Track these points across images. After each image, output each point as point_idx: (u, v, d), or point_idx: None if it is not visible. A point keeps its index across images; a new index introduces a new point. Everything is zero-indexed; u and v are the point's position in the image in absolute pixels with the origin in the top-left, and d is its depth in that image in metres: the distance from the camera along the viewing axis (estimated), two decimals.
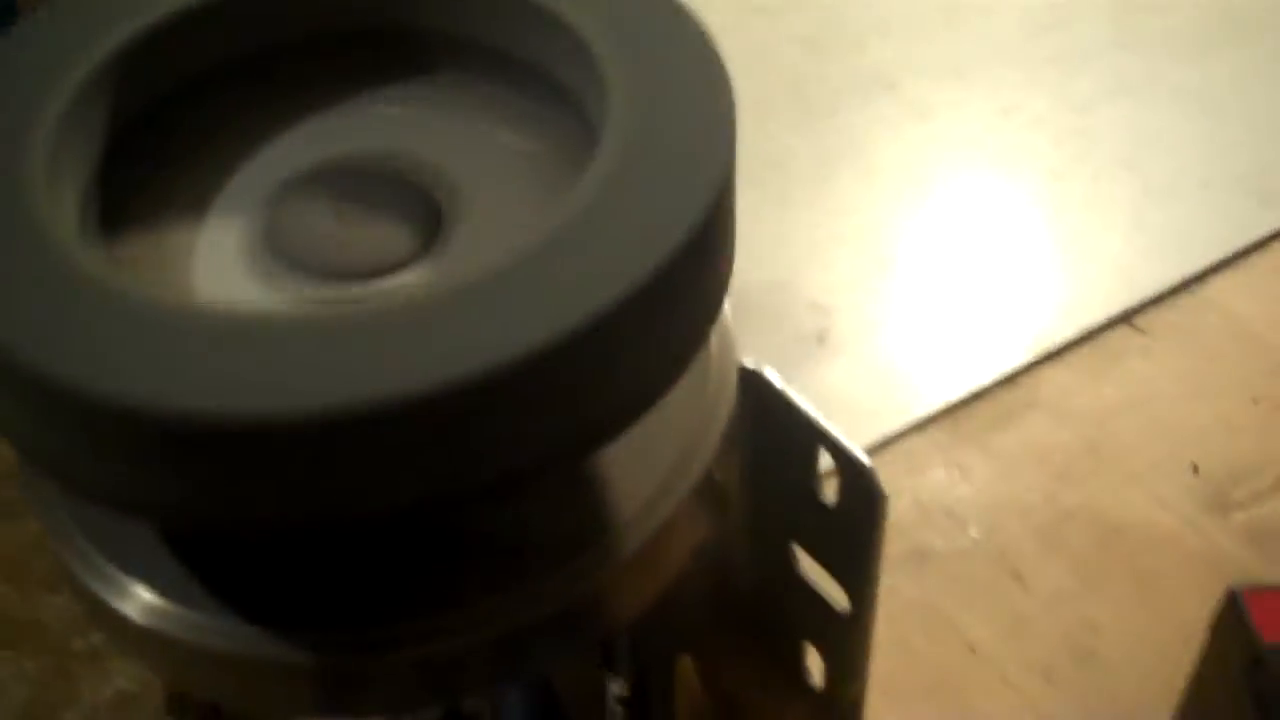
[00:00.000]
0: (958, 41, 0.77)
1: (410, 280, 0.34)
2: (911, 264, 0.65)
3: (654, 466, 0.36)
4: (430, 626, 0.34)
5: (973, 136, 0.72)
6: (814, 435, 0.41)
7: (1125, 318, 0.62)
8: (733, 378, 0.39)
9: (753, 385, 0.41)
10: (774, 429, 0.42)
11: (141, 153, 0.38)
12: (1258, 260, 0.65)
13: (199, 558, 0.35)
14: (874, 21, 0.78)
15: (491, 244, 0.35)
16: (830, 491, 0.42)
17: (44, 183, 0.33)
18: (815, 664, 0.48)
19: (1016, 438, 0.58)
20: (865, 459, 0.39)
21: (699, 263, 0.32)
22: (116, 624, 0.36)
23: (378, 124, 0.39)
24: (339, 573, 0.34)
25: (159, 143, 0.38)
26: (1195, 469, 0.56)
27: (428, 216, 0.36)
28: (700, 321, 0.34)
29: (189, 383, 0.29)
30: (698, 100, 0.34)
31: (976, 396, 0.59)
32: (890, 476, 0.41)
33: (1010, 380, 0.60)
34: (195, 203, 0.37)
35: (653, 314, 0.31)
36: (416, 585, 0.34)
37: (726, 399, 0.38)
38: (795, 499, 0.43)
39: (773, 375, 0.41)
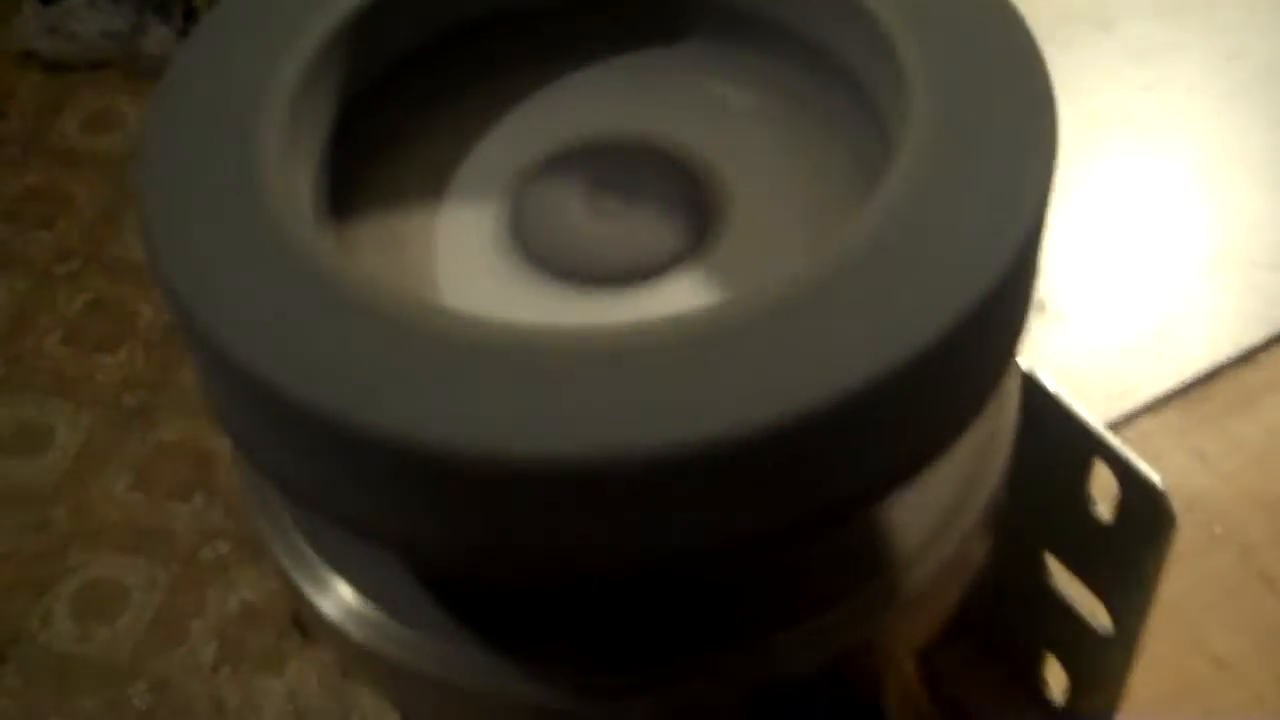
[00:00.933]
0: None
1: (683, 287, 0.31)
2: (1136, 226, 0.60)
3: (938, 495, 0.33)
4: (699, 667, 0.31)
5: (1194, 84, 0.67)
6: (1092, 446, 0.37)
7: None
8: (1016, 391, 0.35)
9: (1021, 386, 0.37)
10: (1041, 434, 0.38)
11: (371, 128, 0.34)
12: None
13: (445, 586, 0.32)
14: None
15: (764, 246, 0.32)
16: (1102, 504, 0.38)
17: (279, 166, 0.30)
18: (1054, 677, 0.44)
19: (1260, 422, 0.53)
20: (1157, 479, 0.36)
21: (1018, 287, 0.28)
22: (344, 644, 0.33)
23: (631, 99, 0.35)
24: (601, 611, 0.31)
25: (389, 117, 0.35)
26: None
27: (691, 208, 0.32)
28: (1015, 339, 0.30)
29: (497, 422, 0.25)
30: (1013, 108, 0.30)
31: (1213, 375, 0.55)
32: None
33: (1248, 359, 0.55)
34: (432, 184, 0.34)
35: (979, 338, 0.27)
36: (687, 627, 0.31)
37: (1011, 415, 0.34)
38: (1057, 509, 0.39)
39: (1047, 379, 0.37)
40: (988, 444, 0.33)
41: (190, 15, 1.76)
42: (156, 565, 1.46)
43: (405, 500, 0.27)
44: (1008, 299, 0.28)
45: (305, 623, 0.36)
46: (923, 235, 0.27)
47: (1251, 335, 0.56)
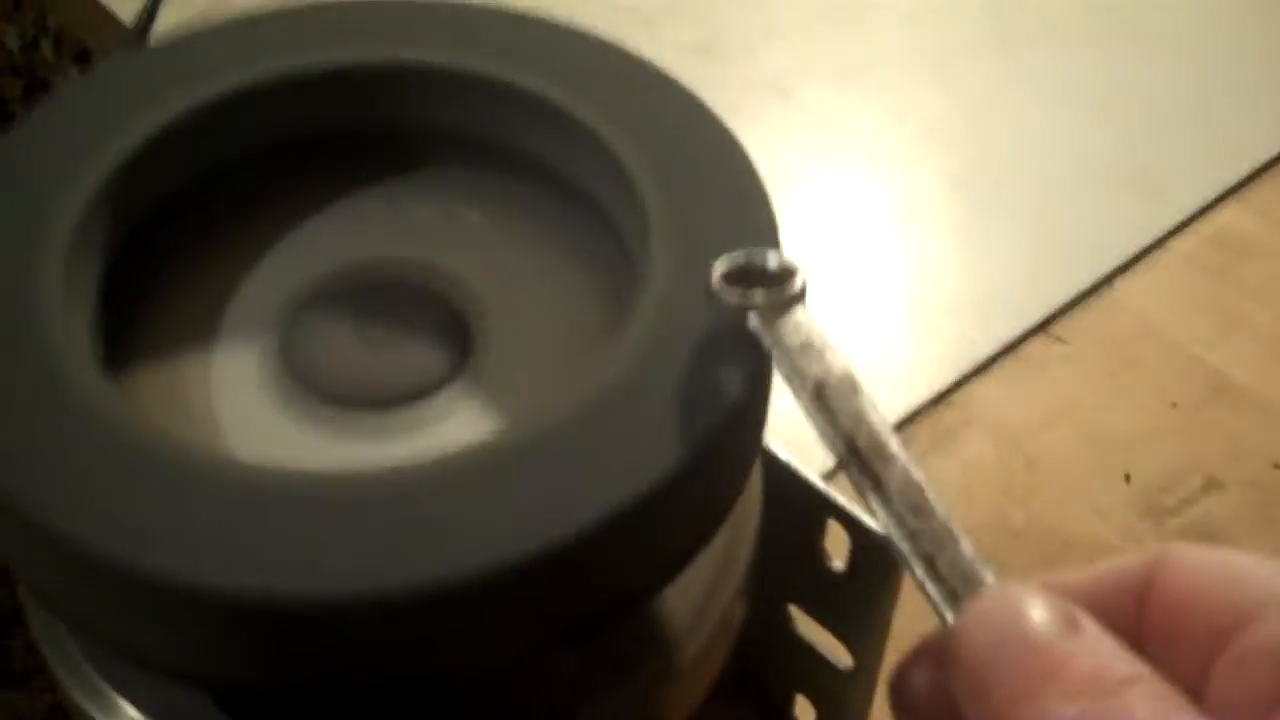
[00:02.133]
0: (845, 44, 0.78)
1: (449, 408, 0.34)
2: (819, 286, 0.65)
3: (701, 573, 0.36)
4: None
5: (870, 145, 0.73)
6: (824, 507, 0.41)
7: (1043, 326, 0.64)
8: (758, 465, 0.39)
9: None
10: (777, 499, 0.42)
11: (142, 271, 0.36)
12: (1159, 258, 0.67)
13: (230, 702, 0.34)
14: (763, 26, 0.79)
15: (522, 364, 0.35)
16: (836, 558, 0.42)
17: (57, 310, 0.32)
18: (804, 713, 0.49)
19: (956, 457, 0.59)
20: (883, 531, 0.40)
21: (758, 406, 0.32)
22: None
23: (387, 230, 0.38)
24: (401, 713, 0.34)
25: (159, 260, 0.36)
26: (1128, 478, 0.58)
27: (453, 332, 0.35)
28: (753, 453, 0.34)
29: (276, 561, 0.28)
30: (737, 220, 0.34)
31: (913, 417, 0.60)
32: None
33: (942, 399, 0.61)
34: (205, 324, 0.36)
35: (723, 457, 0.31)
36: None
37: (756, 488, 0.38)
38: (795, 563, 0.43)
39: (778, 447, 0.41)
40: (739, 518, 0.37)
41: None
42: None
43: (184, 637, 0.29)
44: (750, 417, 0.31)
45: None
46: (666, 368, 0.30)
47: (944, 378, 0.61)
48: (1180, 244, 0.68)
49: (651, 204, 0.33)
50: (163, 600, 0.27)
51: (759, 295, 0.30)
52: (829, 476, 0.57)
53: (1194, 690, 0.24)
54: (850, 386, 0.29)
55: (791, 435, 0.54)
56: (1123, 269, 0.66)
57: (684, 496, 0.29)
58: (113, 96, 0.36)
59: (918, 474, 0.28)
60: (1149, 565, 0.27)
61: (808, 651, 0.45)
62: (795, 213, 0.69)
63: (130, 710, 0.35)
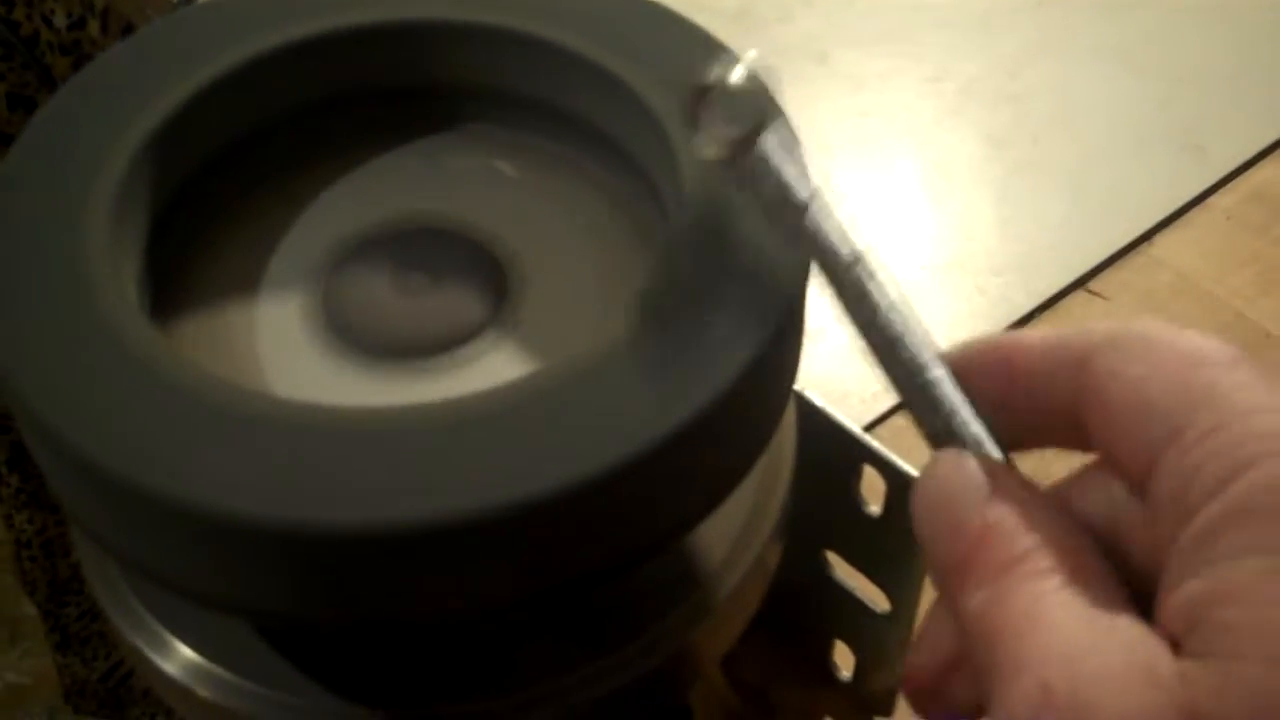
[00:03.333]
0: (881, 7, 0.78)
1: (487, 353, 0.34)
2: (870, 243, 0.66)
3: (736, 513, 0.37)
4: (525, 698, 0.34)
5: (908, 107, 0.73)
6: (860, 453, 0.42)
7: (1081, 282, 0.64)
8: (792, 412, 0.39)
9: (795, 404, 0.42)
10: (813, 445, 0.43)
11: (187, 222, 0.37)
12: (1197, 215, 0.67)
13: (281, 639, 0.35)
14: None
15: (559, 310, 0.35)
16: (872, 503, 0.43)
17: (105, 261, 0.33)
18: (843, 658, 0.49)
19: None
20: (918, 475, 0.41)
21: (787, 346, 0.33)
22: (190, 701, 0.36)
23: (428, 182, 0.38)
24: (447, 651, 0.35)
25: (203, 211, 0.37)
26: None
27: (489, 280, 0.36)
28: (785, 395, 0.34)
29: (308, 492, 0.28)
30: None
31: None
32: None
33: None
34: (248, 275, 0.37)
35: (756, 395, 0.31)
36: (505, 661, 0.35)
37: (790, 433, 0.39)
38: (832, 508, 0.44)
39: (813, 395, 0.42)
40: (773, 461, 0.38)
41: None
42: None
43: (223, 567, 0.30)
44: (786, 346, 0.32)
45: (141, 685, 0.38)
46: (697, 305, 0.31)
47: (979, 332, 0.62)
48: (1220, 200, 0.68)
49: (680, 149, 0.34)
50: (205, 531, 0.28)
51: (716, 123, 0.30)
52: (868, 430, 0.58)
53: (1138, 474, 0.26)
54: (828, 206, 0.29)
55: (827, 388, 0.54)
56: (1162, 225, 0.66)
57: (716, 430, 0.30)
58: (159, 53, 0.37)
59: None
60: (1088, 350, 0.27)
61: (845, 596, 0.46)
62: (835, 175, 0.69)
63: (181, 646, 0.36)
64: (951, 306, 0.63)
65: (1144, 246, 0.66)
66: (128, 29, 0.79)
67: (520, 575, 0.30)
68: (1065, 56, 0.75)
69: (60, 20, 0.85)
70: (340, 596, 0.30)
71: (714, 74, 0.30)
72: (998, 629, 0.25)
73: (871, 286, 0.28)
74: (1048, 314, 0.63)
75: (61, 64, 0.88)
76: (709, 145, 0.30)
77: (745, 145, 0.30)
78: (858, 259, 0.29)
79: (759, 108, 0.30)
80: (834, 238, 0.29)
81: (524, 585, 0.30)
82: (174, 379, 0.30)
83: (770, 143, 0.30)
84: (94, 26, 0.83)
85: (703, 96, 0.30)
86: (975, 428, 0.28)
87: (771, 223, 0.30)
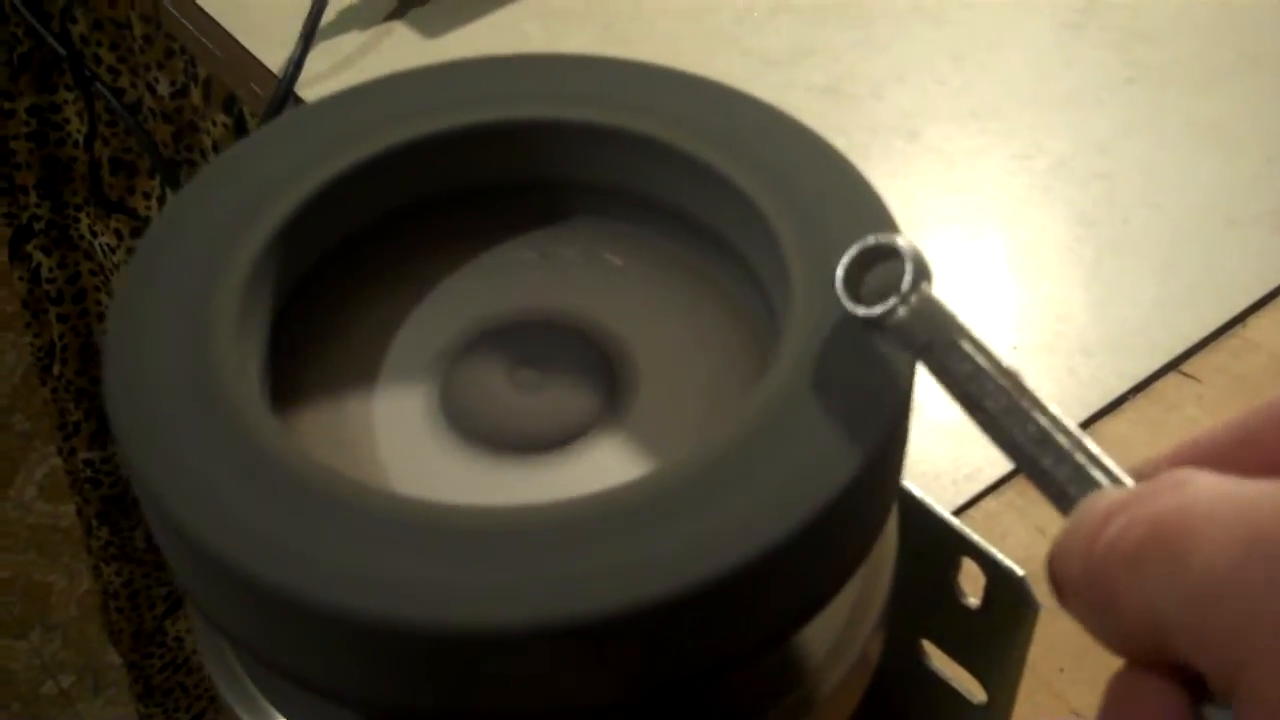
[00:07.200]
0: (972, 84, 0.79)
1: (599, 451, 0.35)
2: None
3: (841, 608, 0.37)
4: None
5: (998, 184, 0.73)
6: (960, 545, 0.42)
7: (1174, 364, 0.64)
8: (894, 506, 0.40)
9: None
10: (912, 535, 0.43)
11: (305, 314, 0.38)
12: None
13: None
14: (888, 68, 0.80)
15: (670, 409, 0.36)
16: (971, 594, 0.43)
17: (232, 355, 0.34)
18: None
19: None
20: (1019, 571, 0.41)
21: (895, 446, 0.33)
22: None
23: (537, 277, 0.39)
24: None
25: (321, 304, 0.38)
26: None
27: (602, 377, 0.37)
28: (891, 494, 0.35)
29: (433, 591, 0.29)
30: None
31: None
32: None
33: None
34: (365, 366, 0.38)
35: (865, 497, 0.32)
36: None
37: (893, 527, 0.39)
38: (930, 599, 0.44)
39: (913, 487, 0.42)
40: (876, 554, 0.38)
41: None
42: None
43: (340, 661, 0.31)
44: (889, 458, 0.32)
45: None
46: (808, 414, 0.32)
47: (1074, 417, 0.62)
48: None
49: (789, 250, 0.35)
50: (325, 626, 0.29)
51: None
52: (960, 512, 0.58)
53: None
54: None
55: (919, 470, 0.55)
56: (1255, 307, 0.66)
57: (828, 536, 0.31)
58: (281, 152, 0.38)
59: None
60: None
61: (942, 687, 0.46)
62: (925, 253, 0.69)
63: None
64: (1044, 389, 0.63)
65: (1237, 329, 0.66)
66: (229, 100, 0.81)
67: (634, 674, 0.30)
68: (1155, 134, 0.75)
69: (164, 89, 0.88)
70: (454, 693, 0.30)
71: (879, 244, 0.34)
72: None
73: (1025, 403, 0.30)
74: (1141, 396, 0.63)
75: (163, 131, 0.90)
76: (860, 307, 0.32)
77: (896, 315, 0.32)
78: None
79: (939, 314, 0.33)
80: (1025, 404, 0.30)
81: (637, 684, 0.31)
82: (298, 475, 0.31)
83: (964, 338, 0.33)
84: (196, 95, 0.85)
85: (868, 264, 0.33)
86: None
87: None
